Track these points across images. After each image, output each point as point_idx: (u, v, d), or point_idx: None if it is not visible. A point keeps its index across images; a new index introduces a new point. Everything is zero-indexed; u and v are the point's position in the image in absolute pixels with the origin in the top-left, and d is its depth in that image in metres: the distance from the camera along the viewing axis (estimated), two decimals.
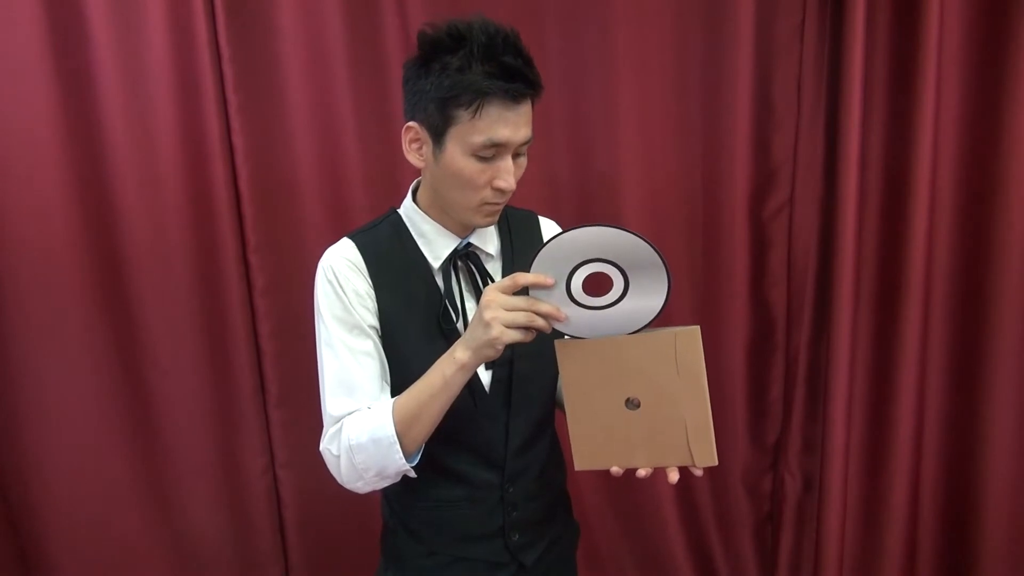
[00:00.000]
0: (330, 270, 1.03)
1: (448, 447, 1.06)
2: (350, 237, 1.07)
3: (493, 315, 0.87)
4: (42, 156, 1.59)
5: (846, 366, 1.76)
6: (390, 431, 0.94)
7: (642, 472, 0.94)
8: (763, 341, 1.94)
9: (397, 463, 0.96)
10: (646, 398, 0.92)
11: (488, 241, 1.09)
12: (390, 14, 1.68)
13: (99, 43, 1.58)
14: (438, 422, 0.97)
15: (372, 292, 1.03)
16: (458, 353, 0.92)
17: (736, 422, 1.97)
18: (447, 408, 0.96)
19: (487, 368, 1.06)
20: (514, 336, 0.88)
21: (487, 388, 1.06)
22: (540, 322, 0.89)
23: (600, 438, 0.95)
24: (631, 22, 1.72)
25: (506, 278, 0.91)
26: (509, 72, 0.90)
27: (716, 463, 0.92)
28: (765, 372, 1.96)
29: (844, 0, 1.64)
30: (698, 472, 0.94)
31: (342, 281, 1.02)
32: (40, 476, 1.73)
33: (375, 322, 1.03)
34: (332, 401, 1.01)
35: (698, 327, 0.89)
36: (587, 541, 2.04)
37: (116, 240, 1.68)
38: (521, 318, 0.88)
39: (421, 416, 0.95)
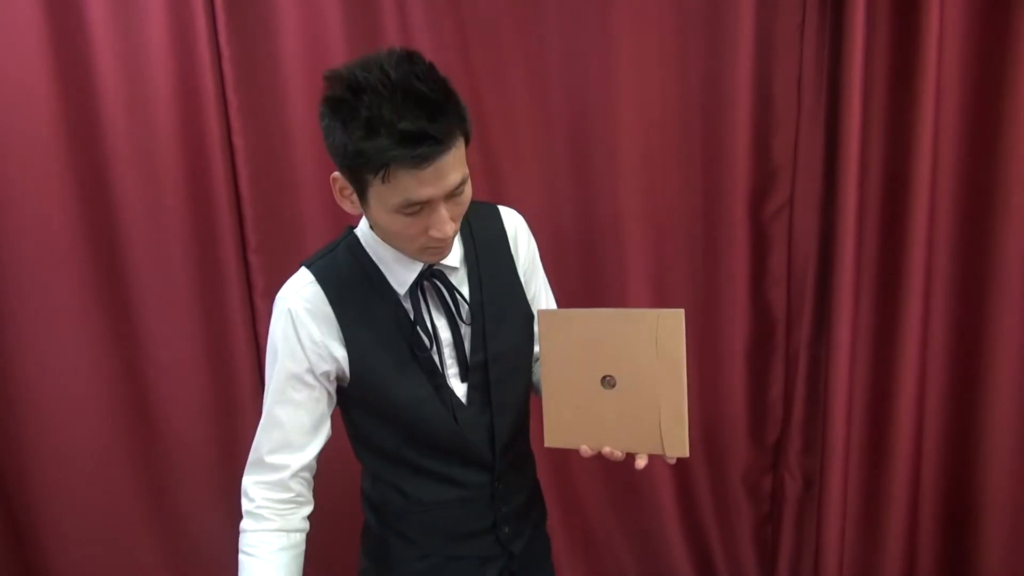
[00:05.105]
0: (288, 313, 0.99)
1: (436, 454, 1.07)
2: (308, 267, 1.02)
3: None
4: (42, 156, 1.59)
5: (846, 366, 1.76)
6: None
7: (607, 450, 0.93)
8: (763, 341, 1.94)
9: None
10: (622, 378, 0.90)
11: (451, 254, 1.02)
12: (390, 14, 1.68)
13: (99, 43, 1.58)
14: None
15: (335, 331, 0.99)
16: None
17: (736, 422, 1.97)
18: None
19: (462, 381, 1.06)
20: None
21: (464, 400, 1.06)
22: None
23: (572, 415, 0.94)
24: (631, 22, 1.72)
25: None
26: (411, 138, 0.80)
27: (687, 455, 0.90)
28: (765, 372, 1.96)
29: (844, 0, 1.64)
30: (670, 461, 0.92)
31: (297, 326, 0.99)
32: (40, 476, 1.73)
33: (329, 366, 1.00)
34: (261, 436, 1.05)
35: (682, 311, 0.87)
36: (586, 540, 2.04)
37: (116, 241, 1.68)
38: None
39: None
